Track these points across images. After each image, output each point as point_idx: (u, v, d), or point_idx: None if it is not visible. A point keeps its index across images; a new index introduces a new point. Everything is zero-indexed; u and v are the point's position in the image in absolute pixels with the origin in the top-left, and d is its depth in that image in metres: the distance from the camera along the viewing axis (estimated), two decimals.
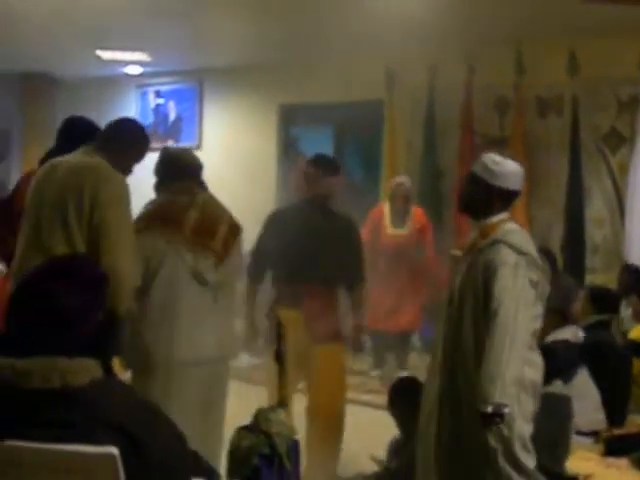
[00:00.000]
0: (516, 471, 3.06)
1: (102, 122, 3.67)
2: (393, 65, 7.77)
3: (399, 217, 6.76)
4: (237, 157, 8.83)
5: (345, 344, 4.43)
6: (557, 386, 4.21)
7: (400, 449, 3.84)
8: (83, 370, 1.89)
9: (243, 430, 2.80)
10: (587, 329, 4.71)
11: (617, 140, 7.07)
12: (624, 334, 5.38)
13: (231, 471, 2.73)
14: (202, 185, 3.82)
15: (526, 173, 3.44)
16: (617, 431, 4.42)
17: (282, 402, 3.00)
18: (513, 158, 3.37)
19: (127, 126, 3.61)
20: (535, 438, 3.14)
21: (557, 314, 4.49)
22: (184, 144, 8.71)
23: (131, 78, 9.56)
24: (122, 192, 3.31)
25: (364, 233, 5.91)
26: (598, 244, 7.14)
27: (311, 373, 4.27)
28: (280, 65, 8.22)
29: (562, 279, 5.47)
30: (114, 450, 1.81)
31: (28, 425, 1.83)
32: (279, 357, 3.04)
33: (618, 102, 7.04)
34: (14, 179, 7.09)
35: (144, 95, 9.75)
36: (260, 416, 2.80)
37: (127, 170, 3.48)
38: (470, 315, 3.14)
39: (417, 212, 6.86)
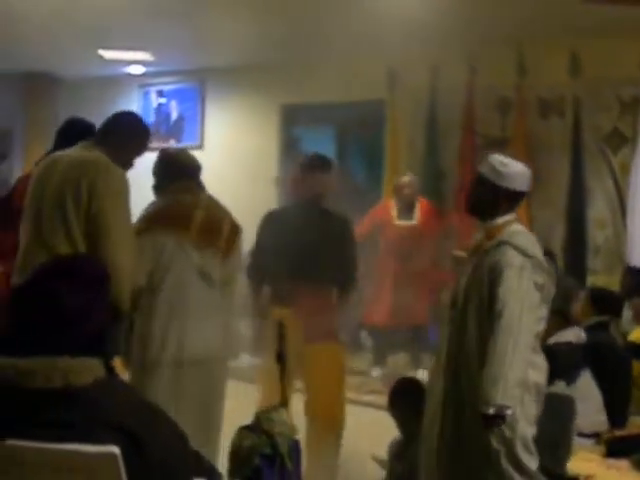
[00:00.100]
0: (518, 473, 3.06)
1: None
2: (394, 65, 7.76)
3: (406, 210, 6.78)
4: (239, 157, 8.82)
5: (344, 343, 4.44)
6: (560, 387, 4.20)
7: (402, 451, 3.82)
8: (86, 370, 1.88)
9: (244, 430, 2.79)
10: (587, 330, 4.70)
11: (619, 141, 7.06)
12: (624, 336, 5.37)
13: (232, 471, 2.72)
14: (200, 185, 3.81)
15: None
16: (618, 432, 4.42)
17: (283, 402, 3.00)
18: (514, 159, 3.36)
19: (126, 119, 3.55)
20: (537, 439, 3.13)
21: (558, 315, 4.48)
22: (186, 144, 8.70)
23: (133, 78, 9.55)
24: (121, 184, 3.26)
25: (360, 228, 5.91)
26: (599, 245, 7.12)
27: (306, 372, 4.26)
28: (282, 65, 8.21)
29: (562, 280, 5.46)
30: (116, 450, 1.80)
31: (30, 425, 1.83)
32: (280, 357, 3.04)
33: (620, 103, 7.03)
34: (16, 178, 7.07)
35: (146, 95, 9.74)
36: (262, 416, 2.80)
37: (127, 164, 3.43)
38: (474, 317, 3.13)
39: (422, 203, 6.88)
